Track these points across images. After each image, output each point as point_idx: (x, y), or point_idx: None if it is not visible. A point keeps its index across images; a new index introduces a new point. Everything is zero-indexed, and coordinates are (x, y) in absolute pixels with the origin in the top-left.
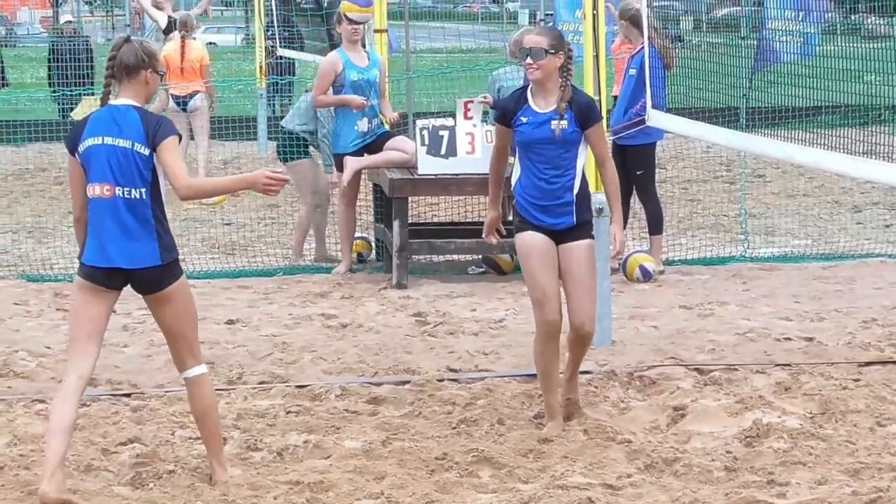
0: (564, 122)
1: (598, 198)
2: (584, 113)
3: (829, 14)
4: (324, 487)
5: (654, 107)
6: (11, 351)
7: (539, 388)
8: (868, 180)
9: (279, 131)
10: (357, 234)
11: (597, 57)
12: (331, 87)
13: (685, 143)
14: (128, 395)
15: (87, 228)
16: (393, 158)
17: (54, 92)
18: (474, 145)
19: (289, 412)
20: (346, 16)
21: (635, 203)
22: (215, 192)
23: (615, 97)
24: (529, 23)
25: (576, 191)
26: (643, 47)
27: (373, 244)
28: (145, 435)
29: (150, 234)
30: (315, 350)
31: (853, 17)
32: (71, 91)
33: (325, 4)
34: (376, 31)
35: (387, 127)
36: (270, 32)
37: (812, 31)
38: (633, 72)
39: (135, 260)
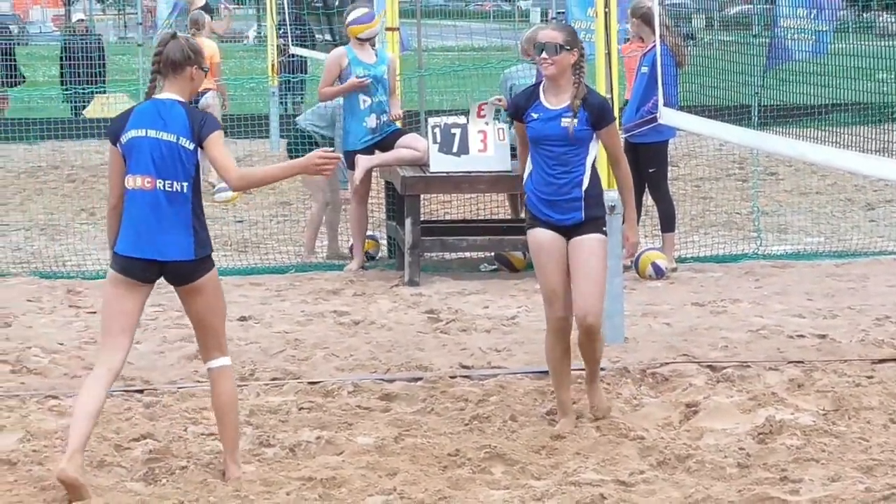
0: (576, 121)
1: (610, 195)
2: (596, 113)
3: (842, 12)
4: (336, 483)
5: (666, 105)
6: (24, 347)
7: (551, 385)
8: (881, 178)
9: (292, 128)
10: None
11: (609, 55)
12: (337, 82)
13: (698, 140)
14: (140, 392)
15: (122, 218)
16: (404, 156)
17: (66, 90)
18: (486, 143)
19: (301, 408)
20: (357, 38)
21: (648, 201)
22: (267, 181)
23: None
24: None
25: (584, 187)
26: (655, 45)
27: (381, 242)
28: (158, 431)
29: (187, 229)
30: (327, 347)
31: (865, 15)
32: (83, 89)
33: (336, 3)
34: (388, 29)
35: (398, 125)
36: (283, 31)
37: (824, 28)
38: (644, 70)
39: (169, 253)
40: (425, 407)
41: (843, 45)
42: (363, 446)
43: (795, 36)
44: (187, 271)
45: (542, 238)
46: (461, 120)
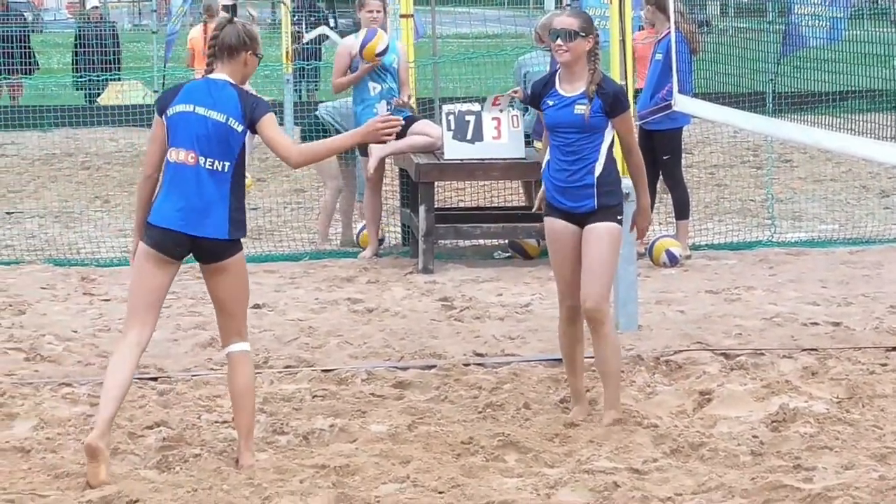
0: (589, 108)
1: (626, 182)
2: (611, 101)
3: None
4: (349, 471)
5: (680, 92)
6: (38, 335)
7: (564, 373)
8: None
9: (310, 115)
10: (361, 226)
11: (623, 42)
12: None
13: (712, 127)
14: (154, 379)
15: (159, 189)
16: (417, 143)
17: (80, 78)
18: (500, 130)
19: (315, 396)
20: (375, 56)
21: (662, 188)
22: (328, 153)
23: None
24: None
25: (597, 174)
26: (669, 32)
27: (385, 232)
28: (172, 419)
29: (224, 208)
30: (341, 334)
31: (880, 2)
32: (97, 77)
33: None
34: (402, 16)
35: (409, 112)
36: (297, 18)
37: (839, 15)
38: (659, 57)
39: (204, 229)
40: (439, 395)
41: (858, 32)
42: (377, 434)
43: (810, 23)
44: (219, 250)
45: (555, 227)
46: (475, 107)
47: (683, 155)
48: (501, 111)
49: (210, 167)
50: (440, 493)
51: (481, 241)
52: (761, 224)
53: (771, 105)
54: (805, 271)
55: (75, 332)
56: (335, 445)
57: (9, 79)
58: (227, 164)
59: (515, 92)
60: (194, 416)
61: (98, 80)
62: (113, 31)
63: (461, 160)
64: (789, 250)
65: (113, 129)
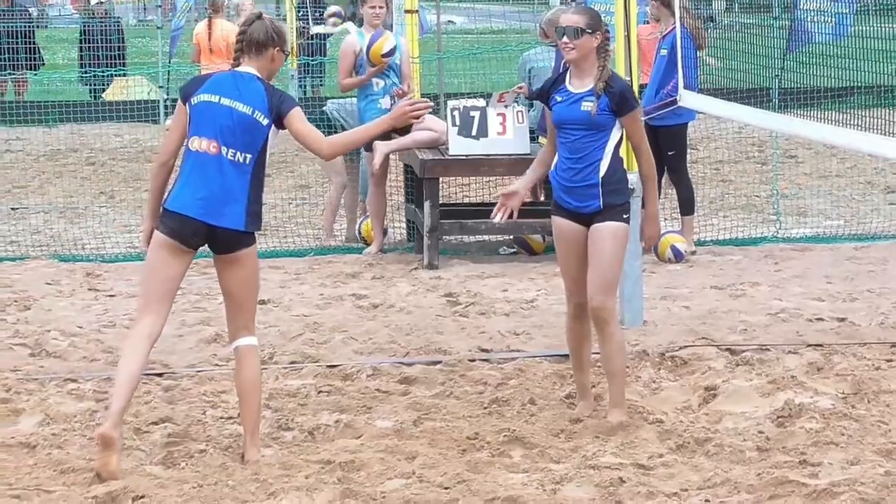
0: (596, 105)
1: (632, 177)
2: (617, 99)
3: None
4: (355, 467)
5: (685, 87)
6: (44, 330)
7: (570, 368)
8: None
9: (315, 110)
10: (362, 219)
11: (628, 38)
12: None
13: (717, 123)
14: (160, 375)
15: (177, 176)
16: (421, 138)
17: (85, 73)
18: (505, 126)
19: (320, 392)
20: (382, 57)
21: (667, 184)
22: (358, 143)
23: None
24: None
25: (602, 174)
26: (674, 28)
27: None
28: (177, 414)
29: (242, 200)
30: (346, 330)
31: None
32: (102, 72)
33: None
34: (407, 11)
35: (417, 96)
36: (302, 13)
37: (845, 11)
38: (664, 52)
39: (221, 218)
40: (444, 390)
41: (864, 28)
42: (382, 430)
43: (816, 18)
44: (234, 241)
45: (562, 226)
46: (480, 103)
47: (689, 150)
48: (506, 107)
49: (232, 158)
50: (446, 488)
51: (486, 237)
52: (766, 220)
53: (777, 101)
54: (810, 267)
55: (80, 327)
56: (341, 441)
57: (14, 74)
58: (249, 156)
59: (520, 88)
60: (199, 412)
61: (103, 76)
62: (118, 26)
63: (466, 156)
64: (794, 246)
65: (118, 124)
